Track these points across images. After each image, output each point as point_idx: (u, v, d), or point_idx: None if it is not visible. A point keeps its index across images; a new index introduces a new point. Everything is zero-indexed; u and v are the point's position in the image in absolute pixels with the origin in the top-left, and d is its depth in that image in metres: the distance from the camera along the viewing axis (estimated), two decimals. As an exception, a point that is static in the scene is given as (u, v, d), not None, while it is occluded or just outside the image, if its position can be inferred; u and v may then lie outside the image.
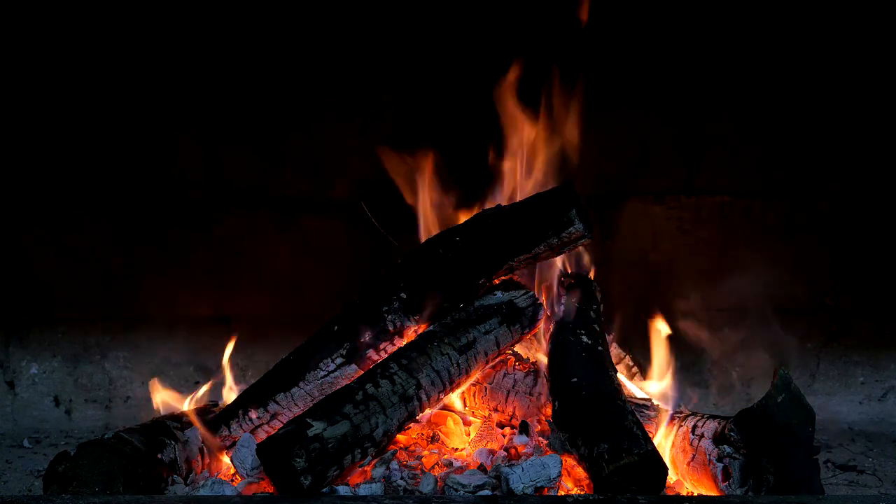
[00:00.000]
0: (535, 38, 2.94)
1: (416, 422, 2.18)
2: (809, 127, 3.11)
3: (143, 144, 3.09)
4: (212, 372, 3.12)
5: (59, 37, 3.00)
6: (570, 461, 2.01)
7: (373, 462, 2.02)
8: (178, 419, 2.23)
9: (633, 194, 3.17)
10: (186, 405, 2.37)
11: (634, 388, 2.41)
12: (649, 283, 3.10)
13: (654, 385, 2.41)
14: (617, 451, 1.85)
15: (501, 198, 2.51)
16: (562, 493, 1.95)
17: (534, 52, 2.67)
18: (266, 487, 2.01)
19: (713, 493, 1.98)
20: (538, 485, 1.92)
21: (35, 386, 3.14)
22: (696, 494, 2.02)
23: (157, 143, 3.09)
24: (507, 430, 2.30)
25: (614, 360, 2.31)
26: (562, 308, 2.40)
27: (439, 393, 2.14)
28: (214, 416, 2.30)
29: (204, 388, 2.45)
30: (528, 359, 2.39)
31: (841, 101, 3.09)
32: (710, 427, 2.04)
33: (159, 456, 2.04)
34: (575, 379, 2.10)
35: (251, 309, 3.15)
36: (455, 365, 2.16)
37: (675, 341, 2.48)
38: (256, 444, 1.99)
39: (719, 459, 1.96)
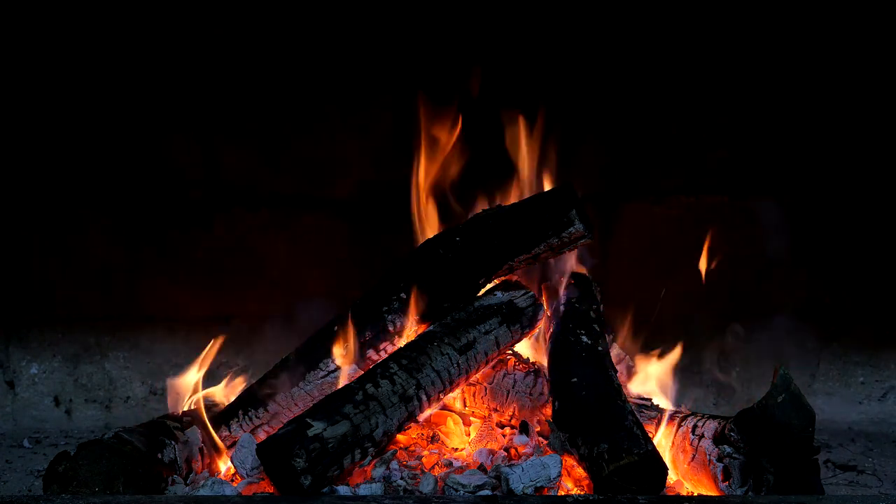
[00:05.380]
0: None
1: (416, 422, 2.18)
2: (810, 127, 3.10)
3: (144, 144, 3.08)
4: (212, 372, 3.11)
5: (63, 37, 3.00)
6: (570, 461, 2.01)
7: (373, 462, 2.02)
8: (178, 419, 2.23)
9: (633, 194, 3.17)
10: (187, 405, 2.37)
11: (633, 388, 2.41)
12: (649, 283, 3.10)
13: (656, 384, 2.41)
14: (617, 451, 1.85)
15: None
16: (562, 493, 1.95)
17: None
18: (266, 487, 2.01)
19: (713, 493, 1.98)
20: (538, 485, 1.92)
21: (35, 386, 3.14)
22: (696, 494, 2.02)
23: (157, 142, 3.09)
24: (507, 430, 2.30)
25: (614, 360, 2.31)
26: (562, 308, 2.39)
27: (439, 393, 2.15)
28: (215, 416, 2.30)
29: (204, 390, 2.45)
30: (528, 359, 2.39)
31: (841, 101, 3.08)
32: (711, 427, 2.04)
33: (159, 456, 2.04)
34: (575, 379, 2.10)
35: (251, 309, 3.15)
36: (455, 365, 2.16)
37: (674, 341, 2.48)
38: (256, 444, 1.99)
39: (719, 459, 1.96)
